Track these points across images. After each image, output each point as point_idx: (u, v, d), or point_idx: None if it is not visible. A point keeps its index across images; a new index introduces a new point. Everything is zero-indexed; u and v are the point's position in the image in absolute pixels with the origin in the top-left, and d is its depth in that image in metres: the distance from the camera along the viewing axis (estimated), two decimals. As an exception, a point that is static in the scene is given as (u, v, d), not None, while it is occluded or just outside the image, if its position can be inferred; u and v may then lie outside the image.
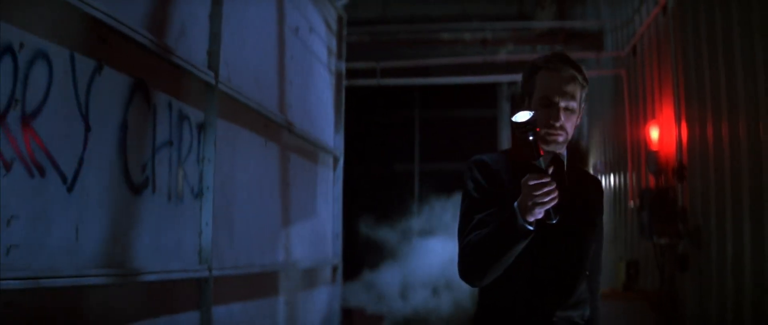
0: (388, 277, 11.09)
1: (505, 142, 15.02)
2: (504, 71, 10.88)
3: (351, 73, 10.45)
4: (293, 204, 7.70)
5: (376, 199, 14.44)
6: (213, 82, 5.40)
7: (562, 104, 2.87)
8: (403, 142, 15.64)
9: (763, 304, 4.96)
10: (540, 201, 2.62)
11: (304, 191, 8.19)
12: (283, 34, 7.40)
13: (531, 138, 2.72)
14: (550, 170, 2.90)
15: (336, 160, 9.69)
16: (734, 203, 5.24)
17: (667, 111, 7.08)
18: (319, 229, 8.86)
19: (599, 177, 9.45)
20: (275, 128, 7.02)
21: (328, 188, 9.39)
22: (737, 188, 5.16)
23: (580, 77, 2.91)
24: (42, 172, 3.56)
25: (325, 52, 9.36)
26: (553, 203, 2.65)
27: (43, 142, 3.57)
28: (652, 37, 7.76)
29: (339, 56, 9.95)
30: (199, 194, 5.30)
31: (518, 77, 9.57)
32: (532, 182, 2.63)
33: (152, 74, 4.61)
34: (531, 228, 2.68)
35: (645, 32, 8.04)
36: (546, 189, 2.62)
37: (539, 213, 2.66)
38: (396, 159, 15.78)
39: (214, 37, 5.49)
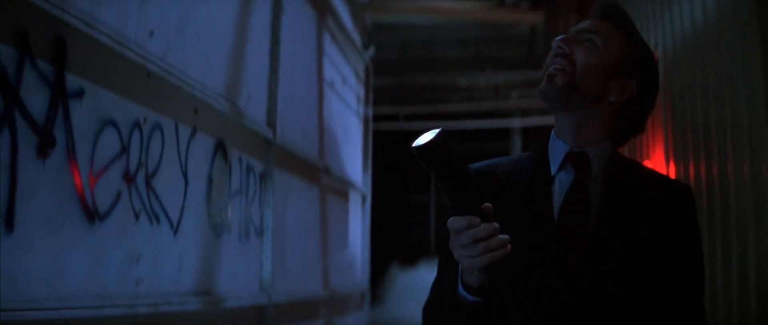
0: (406, 303, 11.91)
1: None
2: (515, 115, 11.89)
3: (376, 117, 11.41)
4: (330, 238, 8.61)
5: (394, 229, 15.21)
6: (272, 138, 6.32)
7: (575, 30, 2.10)
8: (419, 174, 16.41)
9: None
10: (469, 255, 1.69)
11: (338, 226, 9.10)
12: (322, 88, 8.35)
13: (440, 170, 1.70)
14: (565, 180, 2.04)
15: (364, 197, 10.64)
16: (711, 235, 6.02)
17: (659, 152, 7.94)
18: (350, 259, 9.76)
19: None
20: (316, 172, 7.95)
21: (358, 223, 10.31)
22: (712, 222, 5.95)
23: (619, 20, 2.08)
24: (158, 220, 4.48)
25: (355, 99, 10.32)
26: (496, 257, 1.68)
27: (159, 195, 4.49)
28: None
29: (366, 102, 10.93)
30: (260, 233, 6.21)
31: (528, 121, 10.50)
32: (452, 226, 1.71)
33: (229, 135, 5.53)
34: (472, 299, 1.77)
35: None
36: (477, 236, 1.67)
37: (480, 274, 1.73)
38: (413, 191, 16.54)
39: (272, 100, 6.42)
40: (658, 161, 7.84)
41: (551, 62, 2.02)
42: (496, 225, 1.70)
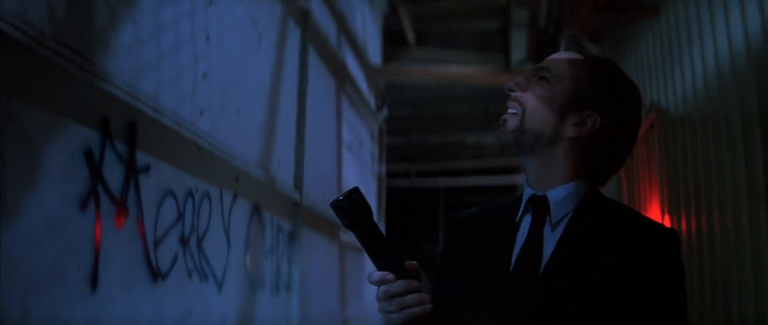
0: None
1: None
2: (521, 171, 12.40)
3: (389, 174, 11.97)
4: (348, 291, 9.10)
5: None
6: (298, 200, 6.86)
7: (535, 65, 1.96)
8: (427, 226, 16.78)
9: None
10: (385, 310, 1.72)
11: (355, 279, 9.59)
12: (341, 150, 8.90)
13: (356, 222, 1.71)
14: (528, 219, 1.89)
15: (378, 251, 11.15)
16: (702, 284, 6.45)
17: (655, 207, 8.42)
18: (366, 310, 10.24)
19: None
20: (335, 230, 8.46)
21: (372, 276, 10.80)
22: (711, 270, 6.37)
23: (582, 43, 1.92)
24: (206, 278, 5.00)
25: (370, 158, 10.88)
26: (412, 314, 1.68)
27: (207, 256, 5.01)
28: (644, 143, 9.12)
29: (380, 160, 11.49)
30: (288, 288, 6.72)
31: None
32: (368, 280, 1.75)
33: (263, 198, 6.07)
34: None
35: (640, 137, 9.45)
36: (389, 293, 1.70)
37: None
38: (422, 242, 16.94)
39: (299, 164, 6.97)
40: (653, 214, 8.34)
41: (510, 105, 1.90)
42: (415, 282, 1.70)
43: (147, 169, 4.23)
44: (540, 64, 1.93)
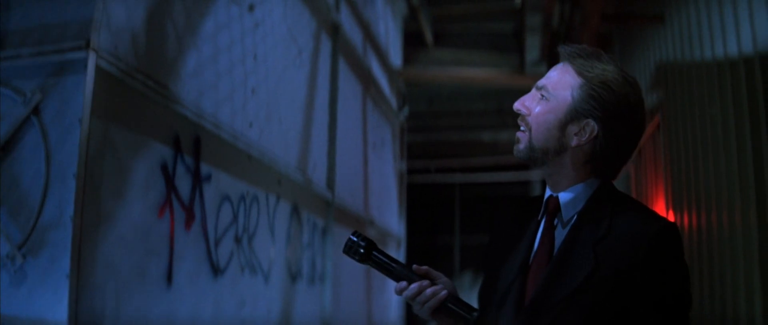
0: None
1: None
2: (533, 168, 12.92)
3: (410, 171, 12.50)
4: (373, 281, 9.63)
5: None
6: (331, 199, 7.39)
7: (538, 82, 2.11)
8: (445, 217, 16.98)
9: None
10: (416, 310, 2.08)
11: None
12: (367, 151, 9.43)
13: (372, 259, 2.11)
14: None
15: (399, 242, 11.68)
16: (708, 281, 6.85)
17: (661, 204, 8.84)
18: (387, 299, 10.77)
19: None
20: (363, 224, 8.99)
21: (394, 267, 11.34)
22: (710, 268, 6.78)
23: (574, 55, 2.06)
24: (255, 272, 5.53)
25: (392, 156, 11.40)
26: (433, 304, 2.04)
27: (256, 252, 5.55)
28: (651, 142, 9.52)
29: (402, 157, 12.03)
30: (322, 280, 7.26)
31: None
32: (395, 292, 2.10)
33: (301, 199, 6.60)
34: None
35: (646, 138, 9.85)
36: (410, 295, 2.06)
37: (435, 318, 2.08)
38: (439, 232, 17.25)
39: (331, 166, 7.49)
40: (659, 211, 8.77)
41: (519, 126, 2.08)
42: (426, 281, 2.05)
43: (209, 178, 4.77)
44: (539, 83, 2.07)
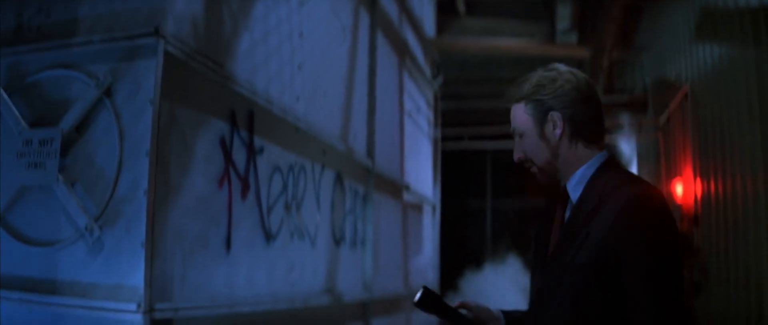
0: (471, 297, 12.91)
1: None
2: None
3: (444, 138, 12.70)
4: (410, 245, 9.90)
5: (455, 232, 16.06)
6: (371, 167, 7.62)
7: (512, 133, 2.51)
8: (477, 182, 16.93)
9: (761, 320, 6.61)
10: None
11: (415, 234, 10.38)
12: (403, 119, 9.64)
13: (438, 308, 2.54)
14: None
15: (434, 208, 11.93)
16: (733, 244, 7.00)
17: (688, 171, 8.97)
18: (424, 261, 11.04)
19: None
20: (399, 190, 9.23)
21: (429, 230, 11.60)
22: (735, 232, 6.94)
23: (510, 96, 2.51)
24: (303, 237, 5.79)
25: (427, 123, 11.61)
26: None
27: (303, 219, 5.80)
28: (679, 111, 9.62)
29: (436, 125, 12.25)
30: (363, 243, 7.51)
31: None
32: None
33: (344, 167, 6.83)
34: None
35: (675, 107, 9.94)
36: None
37: None
38: (471, 197, 17.34)
39: (371, 135, 7.72)
40: (687, 178, 8.89)
41: (527, 168, 2.50)
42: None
43: (261, 150, 5.02)
44: (513, 130, 2.49)
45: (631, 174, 2.44)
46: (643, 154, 13.06)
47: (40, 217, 3.90)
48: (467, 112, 13.93)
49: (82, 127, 3.89)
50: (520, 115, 2.45)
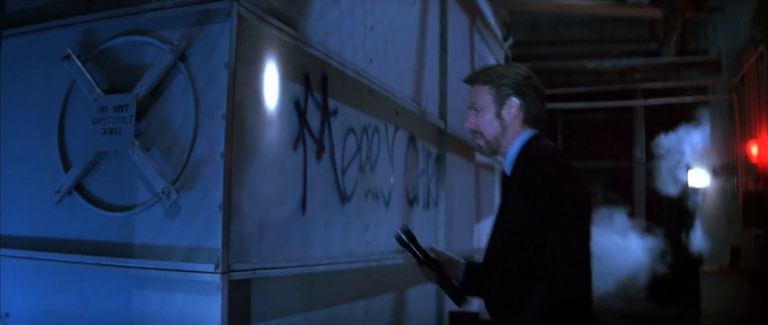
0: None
1: (640, 139, 16.28)
2: (638, 97, 12.77)
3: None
4: (481, 204, 9.75)
5: None
6: (444, 128, 7.48)
7: (468, 105, 2.94)
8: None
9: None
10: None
11: (486, 194, 10.22)
12: (474, 80, 9.45)
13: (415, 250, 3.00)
14: None
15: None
16: None
17: (764, 132, 8.72)
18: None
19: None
20: (471, 151, 9.07)
21: (498, 190, 11.42)
22: None
23: (476, 78, 2.94)
24: (377, 198, 5.69)
25: (497, 85, 11.38)
26: (431, 279, 3.01)
27: (377, 180, 5.70)
28: (754, 72, 9.35)
29: (506, 86, 12.00)
30: (436, 204, 7.40)
31: (649, 102, 11.17)
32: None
33: (416, 129, 6.71)
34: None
35: (750, 68, 9.66)
36: (427, 275, 3.03)
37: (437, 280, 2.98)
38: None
39: (443, 96, 7.57)
40: (763, 140, 8.64)
41: (472, 136, 2.97)
42: (427, 266, 2.99)
43: (335, 112, 4.91)
44: (468, 105, 2.92)
45: (547, 143, 2.83)
46: (717, 116, 12.76)
47: (117, 182, 3.87)
48: (537, 74, 13.62)
49: (156, 92, 3.83)
50: (483, 95, 2.88)
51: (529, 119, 2.86)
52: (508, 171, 2.84)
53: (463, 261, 3.03)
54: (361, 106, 5.39)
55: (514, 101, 2.84)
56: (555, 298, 2.47)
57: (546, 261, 2.52)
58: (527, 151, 2.79)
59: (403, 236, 2.98)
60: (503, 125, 2.84)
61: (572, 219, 2.59)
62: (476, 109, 2.89)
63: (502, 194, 2.91)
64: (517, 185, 2.71)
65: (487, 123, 2.87)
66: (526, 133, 2.85)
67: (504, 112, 2.84)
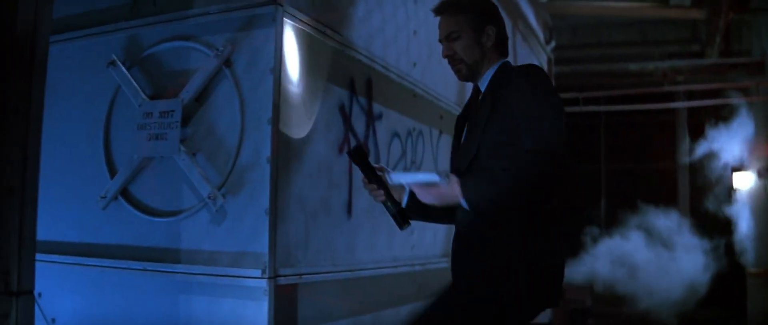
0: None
1: (683, 141, 16.07)
2: (681, 98, 12.53)
3: (559, 101, 12.30)
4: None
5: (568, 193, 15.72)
6: (487, 130, 7.39)
7: (443, 36, 2.91)
8: (590, 145, 16.49)
9: None
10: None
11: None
12: (517, 83, 9.34)
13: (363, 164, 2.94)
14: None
15: (548, 170, 11.60)
16: None
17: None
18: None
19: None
20: (515, 154, 8.97)
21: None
22: None
23: (447, 7, 2.90)
24: (422, 202, 5.62)
25: (539, 88, 11.25)
26: (377, 198, 3.01)
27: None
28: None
29: (549, 89, 11.87)
30: (480, 207, 7.30)
31: (692, 104, 10.95)
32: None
33: (460, 132, 6.63)
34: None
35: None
36: (371, 192, 3.01)
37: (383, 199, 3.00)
38: (583, 161, 16.95)
39: (486, 99, 7.48)
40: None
41: (453, 66, 2.93)
42: (376, 184, 2.95)
43: (380, 116, 4.85)
44: (443, 35, 2.90)
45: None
46: (761, 117, 12.51)
47: (163, 188, 3.84)
48: (580, 76, 13.49)
49: (202, 97, 3.81)
50: (461, 22, 2.85)
51: (501, 45, 2.93)
52: (483, 89, 2.88)
53: (407, 187, 3.03)
54: (406, 111, 5.33)
55: (491, 29, 2.87)
56: (545, 162, 2.59)
57: (546, 138, 2.61)
58: (504, 68, 2.85)
59: (356, 154, 2.98)
60: (482, 52, 2.86)
61: (562, 109, 2.72)
62: (454, 39, 2.87)
63: (472, 112, 2.90)
64: (499, 94, 2.71)
65: (467, 48, 2.86)
66: (502, 61, 2.90)
67: (483, 39, 2.86)
